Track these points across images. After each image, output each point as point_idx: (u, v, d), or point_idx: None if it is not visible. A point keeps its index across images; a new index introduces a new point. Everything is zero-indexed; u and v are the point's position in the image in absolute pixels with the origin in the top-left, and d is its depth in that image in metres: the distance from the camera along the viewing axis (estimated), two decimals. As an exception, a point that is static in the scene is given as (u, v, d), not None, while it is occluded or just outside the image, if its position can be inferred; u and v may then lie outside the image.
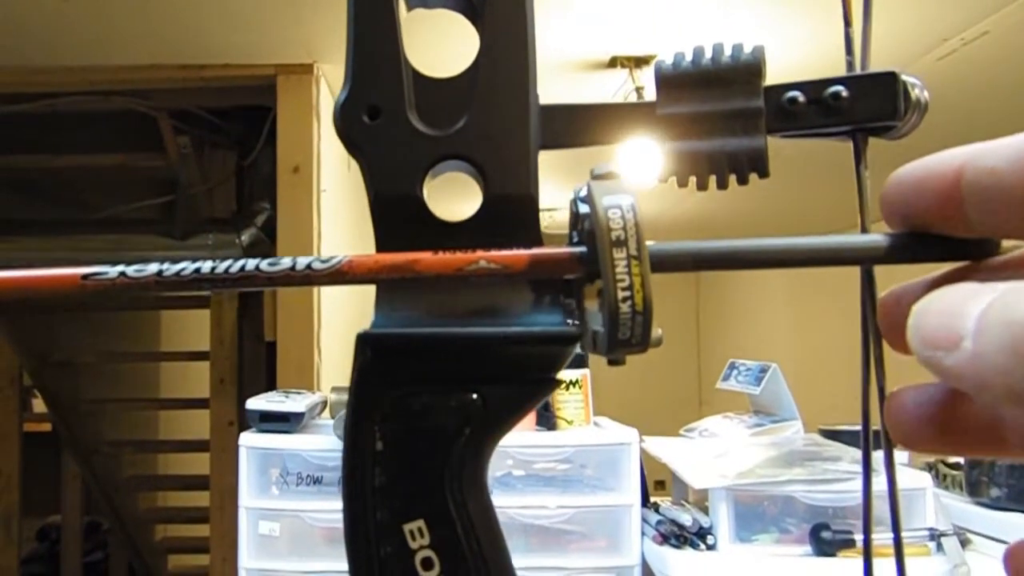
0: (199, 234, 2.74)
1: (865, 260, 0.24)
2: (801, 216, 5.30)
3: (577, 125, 0.30)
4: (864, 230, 0.30)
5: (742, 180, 0.29)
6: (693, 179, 0.30)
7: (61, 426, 3.48)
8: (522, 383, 0.27)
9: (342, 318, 2.81)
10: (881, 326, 0.27)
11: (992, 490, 1.41)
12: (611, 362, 0.27)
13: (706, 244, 0.26)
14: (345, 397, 1.02)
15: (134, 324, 4.02)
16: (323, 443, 1.43)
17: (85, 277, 0.27)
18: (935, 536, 1.34)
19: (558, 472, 1.50)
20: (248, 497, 1.46)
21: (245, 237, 2.70)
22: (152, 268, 0.26)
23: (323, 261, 0.26)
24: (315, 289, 2.39)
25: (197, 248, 2.73)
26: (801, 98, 0.29)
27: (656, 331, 0.26)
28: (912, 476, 1.43)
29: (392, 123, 0.29)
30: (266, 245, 2.73)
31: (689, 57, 0.30)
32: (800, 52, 2.50)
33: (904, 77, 0.28)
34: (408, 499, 0.26)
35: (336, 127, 0.29)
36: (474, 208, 0.30)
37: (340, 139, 0.30)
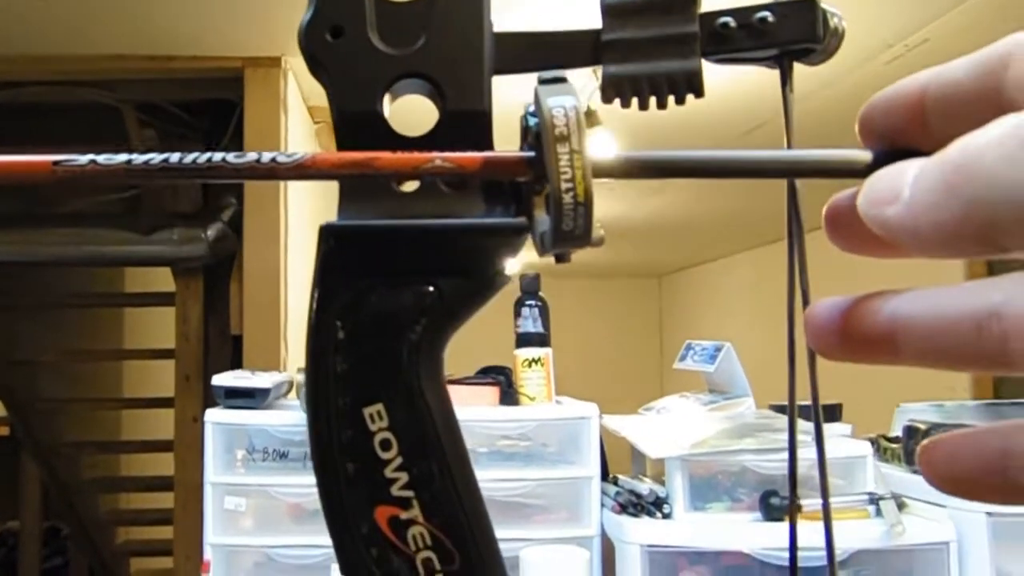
0: (164, 228, 2.73)
1: (848, 173, 0.26)
2: (758, 216, 5.37)
3: (528, 50, 0.32)
4: (790, 147, 0.33)
5: (679, 100, 0.32)
6: (635, 100, 0.32)
7: (20, 427, 3.44)
8: (475, 276, 0.28)
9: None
10: (829, 227, 0.29)
11: None
12: (558, 259, 0.29)
13: (666, 153, 0.28)
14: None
15: (95, 322, 3.98)
16: (289, 418, 1.44)
17: (56, 163, 0.28)
18: (874, 500, 1.41)
19: (520, 448, 1.54)
20: (214, 473, 1.47)
21: (211, 232, 2.69)
22: (121, 157, 0.28)
23: (287, 156, 0.28)
24: (282, 282, 2.40)
25: (162, 243, 2.72)
26: (732, 23, 0.31)
27: (598, 231, 0.28)
28: (854, 445, 1.51)
29: (354, 42, 0.31)
30: (232, 240, 2.73)
31: (631, -13, 0.32)
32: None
33: (823, 5, 0.31)
34: (367, 384, 0.27)
35: (300, 46, 0.31)
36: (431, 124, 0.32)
37: (304, 58, 0.32)
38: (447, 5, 0.31)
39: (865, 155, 0.27)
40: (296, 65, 2.50)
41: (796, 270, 0.32)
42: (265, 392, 1.47)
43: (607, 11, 0.32)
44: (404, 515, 0.28)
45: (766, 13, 0.30)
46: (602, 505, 1.53)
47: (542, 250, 0.29)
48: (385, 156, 0.28)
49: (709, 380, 1.79)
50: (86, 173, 0.29)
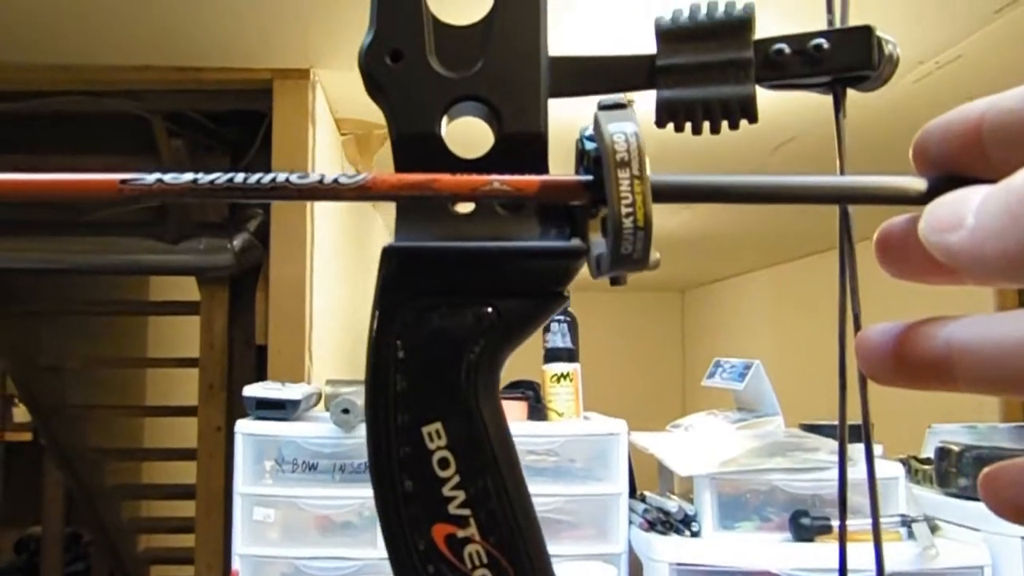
0: (191, 238, 2.75)
1: (902, 200, 0.26)
2: (779, 234, 5.35)
3: (583, 75, 0.33)
4: (842, 173, 0.33)
5: (733, 125, 0.32)
6: (689, 124, 0.32)
7: (44, 433, 3.47)
8: (533, 297, 0.29)
9: (333, 323, 2.82)
10: (880, 252, 0.29)
11: (960, 480, 1.48)
12: (613, 281, 0.29)
13: (709, 178, 0.28)
14: (341, 390, 1.05)
15: (120, 330, 4.01)
16: (319, 430, 1.45)
17: (123, 182, 0.28)
18: (907, 522, 1.40)
19: (549, 462, 1.54)
20: (243, 484, 1.47)
21: (237, 242, 2.71)
22: (187, 176, 0.28)
23: (349, 177, 0.28)
24: (307, 293, 2.41)
25: (188, 252, 2.74)
26: (787, 49, 0.31)
27: (655, 254, 0.28)
28: (887, 466, 1.50)
29: (413, 65, 0.31)
30: (258, 250, 2.75)
31: (686, 13, 0.32)
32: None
33: (878, 32, 0.31)
34: (427, 403, 0.28)
35: (361, 69, 0.32)
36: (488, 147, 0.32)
37: (364, 80, 0.32)
38: (504, 29, 0.32)
39: (920, 182, 0.27)
40: (324, 77, 2.52)
41: (848, 294, 0.32)
42: (295, 404, 1.47)
43: (661, 36, 0.32)
44: (461, 533, 0.28)
45: (821, 40, 0.31)
46: (630, 522, 1.53)
47: (597, 272, 0.29)
48: (444, 178, 0.28)
49: (738, 398, 1.78)
50: (152, 192, 0.29)
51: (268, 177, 0.29)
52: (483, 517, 0.28)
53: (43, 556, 3.90)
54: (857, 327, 0.34)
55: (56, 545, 3.89)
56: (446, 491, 0.28)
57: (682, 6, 0.32)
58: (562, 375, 1.64)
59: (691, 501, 1.45)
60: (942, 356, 0.25)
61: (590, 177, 0.29)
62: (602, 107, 0.28)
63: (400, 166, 0.32)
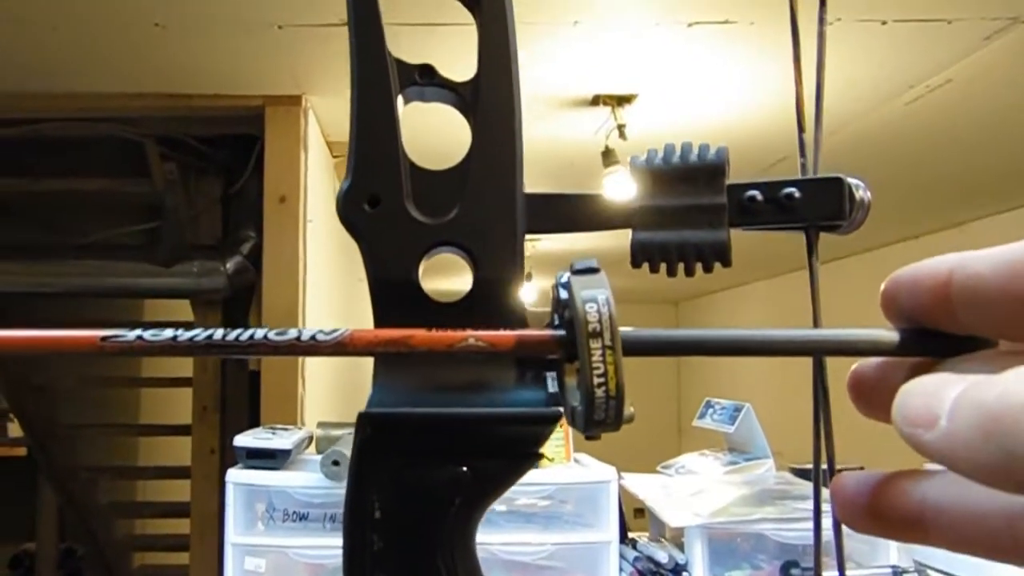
0: (184, 261, 2.75)
1: (874, 352, 0.27)
2: (774, 247, 5.37)
3: (558, 213, 0.33)
4: (816, 318, 0.34)
5: (707, 269, 0.32)
6: (663, 265, 0.33)
7: (38, 451, 3.46)
8: (508, 457, 0.29)
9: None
10: (852, 393, 0.29)
11: None
12: (588, 438, 0.30)
13: (683, 332, 0.29)
14: (332, 432, 1.05)
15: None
16: (309, 480, 1.45)
17: (104, 339, 0.29)
18: (898, 573, 1.39)
19: (539, 509, 1.53)
20: (234, 533, 1.47)
21: (230, 265, 2.71)
22: (167, 333, 0.28)
23: (327, 333, 0.29)
24: (300, 317, 2.41)
25: (181, 275, 2.74)
26: (759, 197, 0.31)
27: (628, 410, 0.28)
28: None
29: (391, 211, 0.31)
30: (251, 273, 2.75)
31: (660, 154, 0.33)
32: (775, 95, 2.57)
33: (848, 180, 0.31)
34: (403, 564, 0.28)
35: (339, 214, 0.32)
36: (466, 286, 0.32)
37: (343, 224, 0.33)
38: (481, 173, 0.32)
39: (892, 335, 0.27)
40: (316, 103, 2.52)
41: (821, 436, 0.33)
42: (286, 453, 1.47)
43: (637, 176, 0.32)
44: None
45: (792, 189, 0.31)
46: (620, 570, 1.51)
47: (573, 424, 0.30)
48: (420, 335, 0.29)
49: (728, 439, 1.78)
50: (133, 348, 0.30)
51: (247, 334, 0.30)
52: None
53: (38, 572, 3.89)
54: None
55: (50, 562, 3.87)
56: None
57: (657, 148, 0.33)
58: None
59: (681, 547, 1.45)
60: (916, 514, 0.26)
61: (563, 333, 0.29)
62: (575, 271, 0.28)
63: (377, 307, 0.32)
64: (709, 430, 1.79)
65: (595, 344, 0.27)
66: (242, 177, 2.72)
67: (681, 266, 0.32)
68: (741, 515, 1.41)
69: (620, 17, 2.24)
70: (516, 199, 0.32)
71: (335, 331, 0.29)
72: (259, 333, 0.29)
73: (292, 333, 0.29)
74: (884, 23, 2.29)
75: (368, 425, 0.28)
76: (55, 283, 2.79)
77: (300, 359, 2.39)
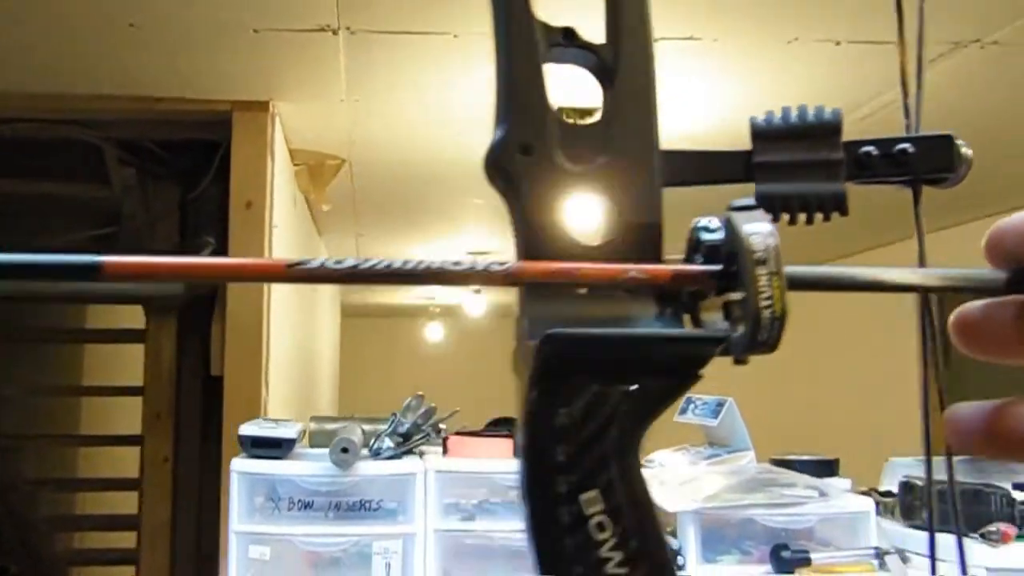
0: (140, 266, 2.70)
1: (984, 291, 0.30)
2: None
3: (690, 167, 0.36)
4: (922, 258, 0.37)
5: (826, 218, 0.35)
6: (785, 216, 0.36)
7: (-25, 463, 3.36)
8: (675, 377, 0.32)
9: (287, 355, 2.81)
10: (956, 332, 0.33)
11: (924, 513, 1.55)
12: (738, 361, 0.32)
13: (837, 270, 0.32)
14: (326, 426, 1.07)
15: (55, 357, 3.91)
16: (316, 469, 1.46)
17: (290, 266, 0.31)
18: (879, 554, 1.46)
19: None
20: (238, 522, 1.47)
21: (188, 271, 2.67)
22: (349, 261, 0.31)
23: (500, 264, 0.31)
24: (264, 325, 2.40)
25: (137, 280, 2.69)
26: (874, 152, 0.35)
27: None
28: (859, 501, 1.57)
29: (542, 159, 0.34)
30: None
31: (778, 115, 0.36)
32: (736, 110, 2.65)
33: (957, 140, 0.35)
34: (583, 474, 0.31)
35: (492, 160, 0.35)
36: (605, 235, 0.35)
37: (491, 171, 0.35)
38: (623, 128, 0.35)
39: (999, 275, 0.31)
40: (284, 110, 2.52)
41: (931, 378, 0.36)
42: (291, 443, 1.48)
43: (757, 135, 0.35)
44: (618, 592, 0.31)
45: (906, 145, 0.34)
46: None
47: (725, 353, 0.32)
48: (588, 267, 0.31)
49: (710, 433, 1.84)
50: (316, 275, 0.32)
51: (423, 264, 0.32)
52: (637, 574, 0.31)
53: (-32, 591, 3.76)
54: (939, 400, 0.37)
55: (-17, 580, 3.75)
56: (603, 552, 0.31)
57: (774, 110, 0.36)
58: None
59: (673, 534, 1.50)
60: None
61: (719, 267, 0.32)
62: (734, 208, 0.31)
63: (528, 250, 0.34)
64: (691, 424, 1.84)
65: (762, 271, 0.30)
66: (202, 183, 2.70)
67: (802, 216, 0.35)
68: (734, 501, 1.47)
69: (583, 31, 2.28)
70: (654, 153, 0.35)
71: (506, 262, 0.32)
72: (436, 263, 0.32)
73: (467, 262, 0.32)
74: (838, 43, 2.38)
75: (554, 344, 0.30)
76: (3, 286, 2.72)
77: (263, 363, 2.38)
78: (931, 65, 2.49)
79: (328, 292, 5.37)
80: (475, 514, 1.76)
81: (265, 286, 2.41)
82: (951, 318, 0.34)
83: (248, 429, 1.51)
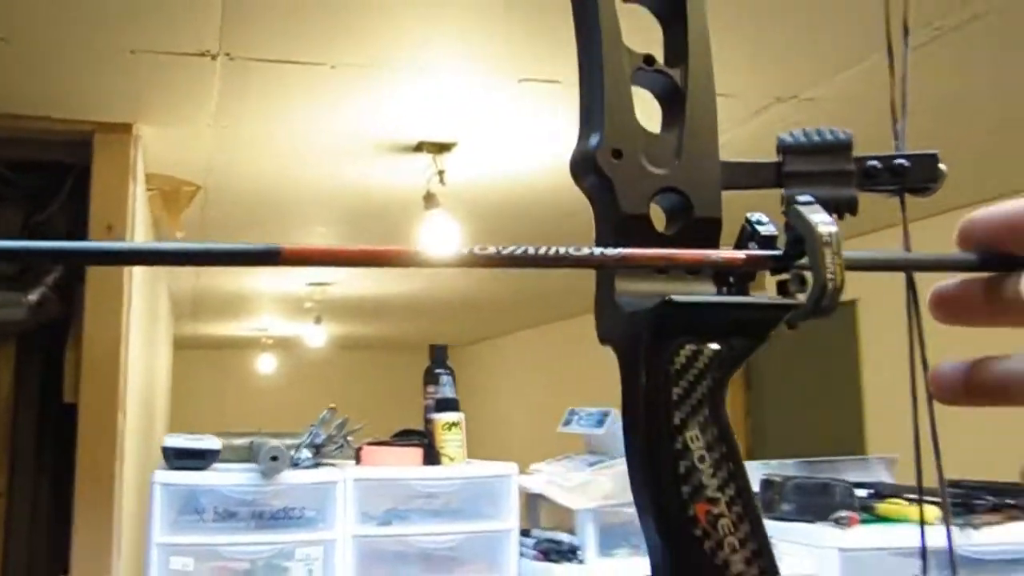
0: (-22, 291, 2.56)
1: (960, 268, 0.39)
2: (544, 295, 5.70)
3: (739, 174, 0.44)
4: (907, 249, 0.46)
5: (840, 217, 0.44)
6: (809, 214, 0.44)
7: None
8: (753, 337, 0.39)
9: (139, 382, 2.72)
10: (934, 306, 0.42)
11: (783, 505, 1.78)
12: (790, 326, 0.41)
13: (862, 253, 0.40)
14: (234, 441, 1.12)
15: None
16: (240, 479, 1.45)
17: (416, 252, 0.37)
18: None
19: (446, 504, 1.65)
20: (160, 533, 1.44)
21: (33, 296, 2.56)
22: (492, 249, 0.37)
23: (613, 250, 0.38)
24: (122, 349, 2.33)
25: (-23, 305, 2.56)
26: (879, 165, 0.44)
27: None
28: None
29: (631, 162, 0.41)
30: (55, 305, 2.61)
31: (802, 135, 0.45)
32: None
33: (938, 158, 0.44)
34: (687, 414, 0.38)
35: (587, 161, 0.41)
36: (677, 226, 0.43)
37: (584, 173, 0.42)
38: (692, 138, 0.43)
39: (972, 256, 0.41)
40: (147, 133, 2.47)
41: (916, 352, 0.45)
42: (215, 454, 1.47)
43: (786, 150, 0.44)
44: (715, 510, 0.38)
45: (903, 160, 0.44)
46: (520, 555, 1.70)
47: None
48: (682, 253, 0.39)
49: (592, 443, 1.95)
50: (431, 261, 0.38)
51: (552, 249, 0.39)
52: (729, 497, 0.38)
53: None
54: (924, 369, 0.46)
55: None
56: (704, 479, 0.38)
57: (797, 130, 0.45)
58: (452, 423, 1.78)
59: (571, 533, 1.62)
60: (1002, 383, 0.38)
61: (778, 253, 0.40)
62: (800, 203, 0.39)
63: (619, 239, 0.41)
64: (572, 435, 1.97)
65: (828, 251, 0.38)
66: (51, 206, 2.59)
67: (823, 215, 0.44)
68: (627, 500, 1.60)
69: (451, 69, 2.37)
70: (717, 160, 0.43)
71: (617, 250, 0.39)
72: (561, 249, 0.38)
73: (587, 250, 0.39)
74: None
75: (669, 308, 0.38)
76: None
77: (121, 389, 2.31)
78: (755, 116, 2.73)
79: (164, 322, 5.19)
80: (391, 519, 1.81)
81: (124, 311, 2.35)
82: (930, 293, 0.43)
83: (172, 441, 1.48)
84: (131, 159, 2.38)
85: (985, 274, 0.41)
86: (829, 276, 0.38)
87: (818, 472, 2.07)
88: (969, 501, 1.94)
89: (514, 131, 2.76)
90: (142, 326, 2.86)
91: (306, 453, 1.78)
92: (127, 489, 2.41)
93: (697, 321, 0.39)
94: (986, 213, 0.41)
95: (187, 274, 5.06)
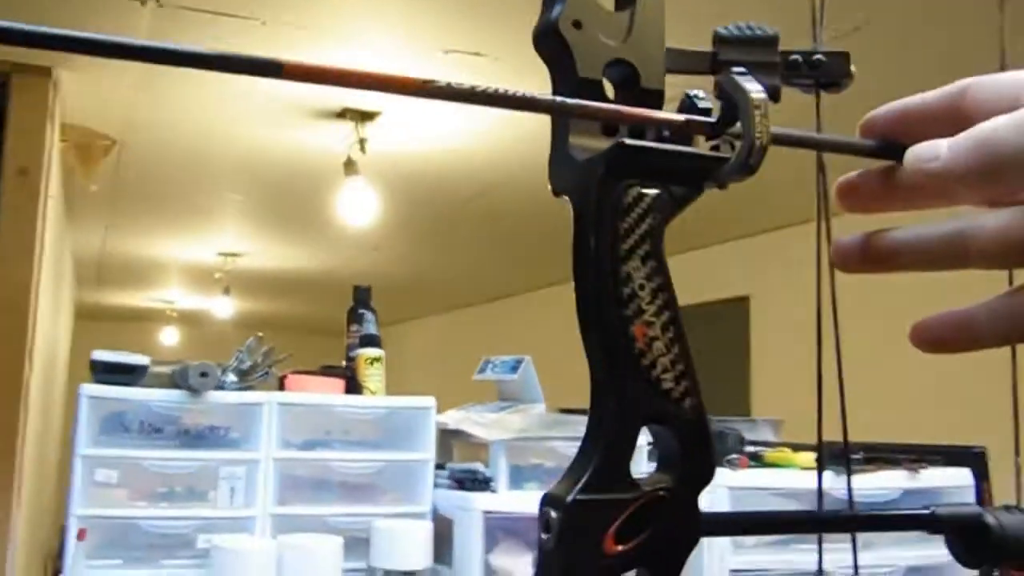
0: None
1: (859, 152, 0.45)
2: (446, 282, 5.73)
3: (681, 59, 0.49)
4: (819, 162, 0.52)
5: (766, 101, 0.50)
6: (739, 98, 0.50)
7: None
8: (691, 186, 0.45)
9: (44, 340, 2.66)
10: (840, 195, 0.48)
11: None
12: (721, 186, 0.46)
13: (791, 130, 0.46)
14: (160, 368, 1.16)
15: None
16: (168, 395, 1.45)
17: (425, 82, 0.41)
18: None
19: (366, 436, 1.71)
20: (84, 445, 1.44)
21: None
22: (467, 85, 0.41)
23: (570, 100, 0.43)
24: (32, 299, 2.29)
25: None
26: (800, 59, 0.50)
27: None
28: None
29: (588, 33, 0.46)
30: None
31: (735, 28, 0.50)
32: (509, 125, 2.85)
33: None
34: (630, 246, 0.43)
35: (551, 28, 0.46)
36: (625, 95, 0.48)
37: (546, 39, 0.47)
38: (643, 19, 0.48)
39: (872, 142, 0.47)
40: (66, 78, 2.42)
41: (823, 240, 0.51)
42: (144, 369, 1.48)
43: (720, 40, 0.50)
44: (651, 332, 0.43)
45: (820, 56, 0.50)
46: (436, 485, 1.80)
47: (717, 178, 0.46)
48: (632, 111, 0.44)
49: (504, 389, 2.03)
50: (445, 93, 0.42)
51: (520, 92, 0.43)
52: (663, 323, 0.44)
53: None
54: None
55: None
56: (643, 305, 0.43)
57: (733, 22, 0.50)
58: (375, 358, 1.84)
59: (484, 464, 1.72)
60: (893, 250, 0.45)
61: (713, 120, 0.45)
62: (735, 73, 0.45)
63: (578, 97, 0.46)
64: (489, 382, 2.04)
65: (758, 113, 0.43)
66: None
67: (750, 99, 0.50)
68: (540, 433, 1.70)
69: (378, 37, 2.40)
70: (663, 41, 0.48)
71: (575, 100, 0.44)
72: (528, 92, 0.43)
73: (549, 97, 0.43)
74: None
75: (622, 149, 0.43)
76: None
77: (28, 341, 2.26)
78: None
79: (68, 286, 5.05)
80: (313, 447, 1.87)
81: (37, 252, 2.30)
82: (836, 184, 0.49)
83: (101, 354, 1.47)
84: (50, 103, 2.33)
85: (882, 163, 0.47)
86: (757, 136, 0.44)
87: (718, 422, 2.20)
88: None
89: (437, 103, 2.79)
90: (50, 280, 2.80)
91: (232, 377, 1.81)
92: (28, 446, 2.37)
93: (644, 165, 0.44)
94: (884, 108, 0.47)
95: (95, 235, 4.94)
